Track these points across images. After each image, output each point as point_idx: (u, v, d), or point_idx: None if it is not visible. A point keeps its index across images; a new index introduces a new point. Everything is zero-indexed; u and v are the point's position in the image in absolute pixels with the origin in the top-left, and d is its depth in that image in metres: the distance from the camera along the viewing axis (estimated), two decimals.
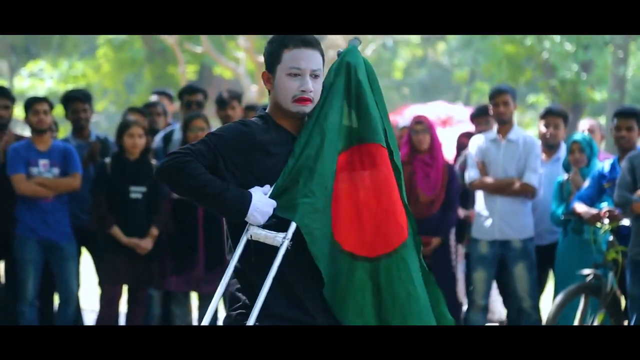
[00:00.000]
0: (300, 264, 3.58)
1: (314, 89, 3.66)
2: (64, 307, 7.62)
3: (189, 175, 3.51)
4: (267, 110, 3.75)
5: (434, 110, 13.13)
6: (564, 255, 7.41)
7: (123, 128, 7.54)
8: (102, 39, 23.81)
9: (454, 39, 29.39)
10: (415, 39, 28.13)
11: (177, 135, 8.24)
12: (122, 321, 7.90)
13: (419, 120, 7.82)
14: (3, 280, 7.98)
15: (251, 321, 3.51)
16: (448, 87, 33.98)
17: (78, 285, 7.84)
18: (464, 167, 8.04)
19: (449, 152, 8.96)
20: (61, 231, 7.58)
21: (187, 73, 22.53)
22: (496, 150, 7.73)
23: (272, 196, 3.59)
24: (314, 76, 3.66)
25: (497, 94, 7.75)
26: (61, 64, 24.57)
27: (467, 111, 11.59)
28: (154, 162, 7.59)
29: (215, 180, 3.52)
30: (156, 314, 7.99)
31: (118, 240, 7.42)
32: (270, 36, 3.78)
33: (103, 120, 30.40)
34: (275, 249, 3.54)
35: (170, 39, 21.06)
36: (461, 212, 7.96)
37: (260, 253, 3.58)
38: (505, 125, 7.73)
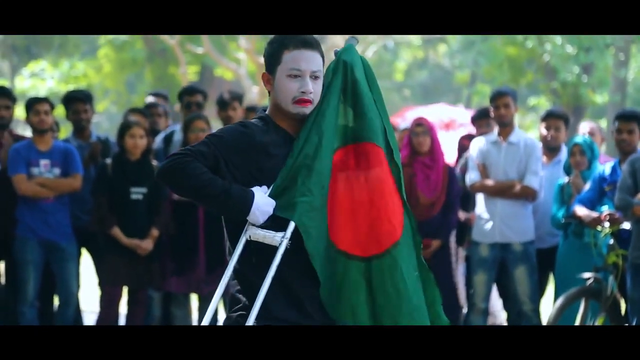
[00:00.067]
0: (299, 263, 3.58)
1: (314, 90, 3.65)
2: (64, 308, 7.62)
3: (189, 175, 3.51)
4: (267, 112, 3.75)
5: (436, 113, 13.13)
6: (564, 259, 7.40)
7: (124, 129, 7.54)
8: (103, 39, 23.83)
9: (454, 41, 29.38)
10: (416, 40, 28.13)
11: (178, 137, 8.24)
12: (122, 322, 7.90)
13: (419, 123, 7.82)
14: (3, 280, 7.97)
15: (250, 321, 3.51)
16: (449, 89, 33.98)
17: (78, 286, 7.84)
18: (464, 169, 8.04)
19: (451, 156, 8.96)
20: (62, 232, 7.57)
21: (188, 74, 22.54)
22: (497, 152, 7.72)
23: (270, 196, 3.59)
24: (314, 77, 3.66)
25: (498, 96, 7.75)
26: (62, 64, 24.59)
27: (469, 114, 11.60)
28: (154, 163, 7.59)
29: (217, 180, 3.53)
30: (156, 315, 7.99)
31: (118, 241, 7.42)
32: (271, 37, 3.78)
33: (104, 121, 30.41)
34: (275, 249, 3.54)
35: (171, 40, 21.07)
36: (462, 215, 7.95)
37: (259, 253, 3.58)
38: (506, 127, 7.72)
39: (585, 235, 7.16)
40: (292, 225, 3.55)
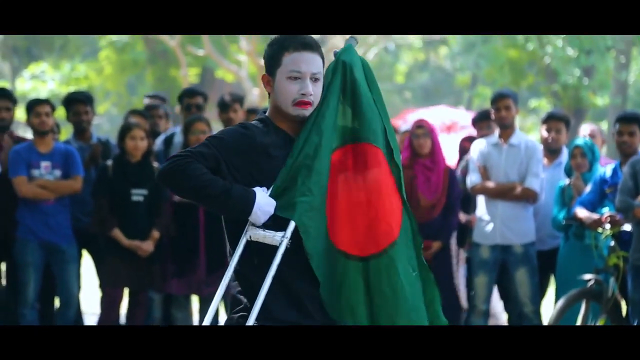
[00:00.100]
0: (300, 263, 3.58)
1: (314, 92, 3.66)
2: (65, 310, 7.62)
3: (190, 176, 3.51)
4: (267, 114, 3.75)
5: (438, 115, 13.12)
6: (565, 260, 7.40)
7: (125, 130, 7.54)
8: (104, 41, 23.84)
9: (455, 43, 29.38)
10: (417, 42, 28.13)
11: (178, 139, 8.24)
12: (122, 324, 7.90)
13: (420, 125, 7.81)
14: (4, 282, 7.97)
15: (251, 321, 3.51)
16: (450, 92, 33.99)
17: (79, 288, 7.84)
18: (465, 171, 8.04)
19: (452, 158, 8.96)
20: (62, 233, 7.57)
21: (189, 76, 22.56)
22: (498, 154, 7.72)
23: (271, 197, 3.60)
24: (314, 79, 3.66)
25: (499, 99, 7.75)
26: (63, 66, 24.61)
27: (471, 116, 11.59)
28: (155, 164, 7.59)
29: (218, 180, 3.53)
30: (157, 316, 7.99)
31: (119, 243, 7.41)
32: (271, 38, 3.78)
33: (105, 123, 30.42)
34: (276, 250, 3.55)
35: (172, 42, 21.08)
36: (462, 217, 7.95)
37: (261, 254, 3.59)
38: (507, 129, 7.72)
39: (586, 237, 7.16)
40: (292, 224, 3.55)
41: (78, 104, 8.15)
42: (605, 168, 7.21)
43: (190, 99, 8.66)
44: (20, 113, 13.22)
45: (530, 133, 24.37)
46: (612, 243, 6.92)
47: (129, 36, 23.12)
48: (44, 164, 7.54)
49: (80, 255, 7.95)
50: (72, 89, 19.19)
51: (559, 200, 7.47)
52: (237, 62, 22.01)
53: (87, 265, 8.35)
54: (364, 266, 3.63)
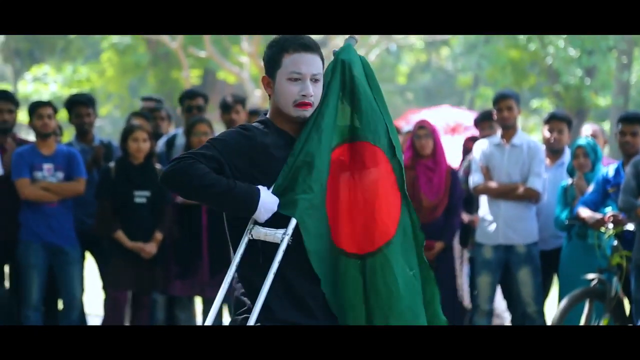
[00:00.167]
0: (302, 261, 3.59)
1: (315, 93, 3.67)
2: (68, 312, 7.62)
3: (192, 176, 3.51)
4: (267, 115, 3.76)
5: (442, 116, 13.08)
6: (568, 260, 7.40)
7: (127, 132, 7.54)
8: (106, 43, 23.86)
9: (457, 44, 29.38)
10: (419, 43, 28.14)
11: (180, 140, 8.24)
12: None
13: (421, 125, 7.81)
14: (8, 284, 7.97)
15: (252, 320, 3.51)
16: (452, 92, 33.99)
17: (82, 290, 7.84)
18: (468, 171, 8.04)
19: (457, 159, 8.95)
20: (65, 236, 7.57)
21: (191, 78, 22.56)
22: (500, 155, 7.72)
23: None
24: (314, 80, 3.67)
25: (501, 99, 7.75)
26: (65, 68, 24.63)
27: (474, 116, 11.58)
28: (158, 166, 7.59)
29: (221, 179, 3.53)
30: (160, 318, 8.00)
31: (122, 245, 7.42)
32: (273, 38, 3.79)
33: (107, 125, 30.44)
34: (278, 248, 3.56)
35: (173, 44, 21.09)
36: (465, 217, 7.95)
37: (264, 253, 3.59)
38: (509, 130, 7.72)
39: (589, 237, 7.16)
40: (293, 222, 3.56)
41: (80, 106, 8.16)
42: (608, 168, 7.21)
43: (191, 100, 8.66)
44: (22, 115, 13.20)
45: (532, 133, 24.37)
46: (615, 242, 6.92)
47: (131, 38, 23.14)
48: (47, 166, 7.54)
49: (83, 257, 7.95)
50: (74, 91, 19.17)
51: (562, 200, 7.47)
52: (239, 63, 22.01)
53: (91, 267, 8.35)
54: (361, 264, 3.65)
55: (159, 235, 7.48)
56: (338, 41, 18.99)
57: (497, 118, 7.81)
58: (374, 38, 21.69)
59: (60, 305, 7.84)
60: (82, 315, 7.95)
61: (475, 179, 7.75)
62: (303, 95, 3.64)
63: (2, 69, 32.24)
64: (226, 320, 8.00)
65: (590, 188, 7.23)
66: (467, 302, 7.78)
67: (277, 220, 3.58)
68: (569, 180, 7.51)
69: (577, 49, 19.69)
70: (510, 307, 8.08)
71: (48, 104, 7.75)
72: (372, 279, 3.64)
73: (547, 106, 22.81)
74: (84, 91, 17.07)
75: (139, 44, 23.74)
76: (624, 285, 6.90)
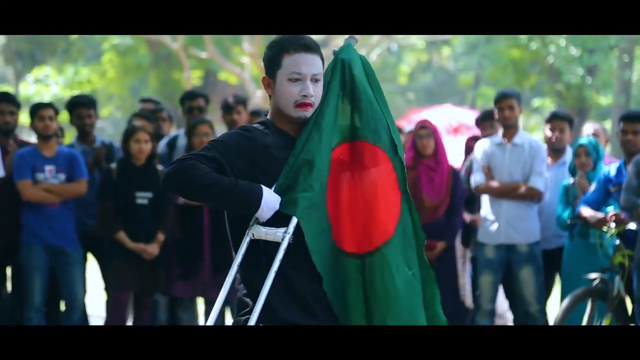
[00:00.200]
0: (303, 261, 3.59)
1: (315, 93, 3.67)
2: (70, 313, 7.62)
3: (193, 176, 3.51)
4: (268, 116, 3.76)
5: (444, 116, 13.08)
6: (570, 259, 7.40)
7: (129, 133, 7.53)
8: (107, 44, 23.87)
9: (458, 43, 29.38)
10: (420, 43, 28.15)
11: (181, 141, 8.24)
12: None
13: (423, 125, 7.81)
14: (10, 286, 7.98)
15: (253, 319, 3.51)
16: (453, 92, 33.99)
17: (84, 291, 7.84)
18: (469, 171, 8.04)
19: (460, 160, 8.94)
20: (67, 237, 7.57)
21: (192, 78, 22.56)
22: (502, 154, 7.72)
23: None
24: (315, 80, 3.67)
25: (502, 99, 7.75)
26: (66, 69, 24.63)
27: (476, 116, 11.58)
28: (159, 167, 7.59)
29: (223, 177, 3.53)
30: (162, 319, 8.00)
31: (124, 246, 7.42)
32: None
33: (108, 126, 30.45)
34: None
35: (175, 45, 21.09)
36: (467, 217, 7.95)
37: (267, 253, 3.58)
38: (510, 129, 7.72)
39: (591, 236, 7.16)
40: (294, 220, 3.56)
41: (81, 107, 8.16)
42: (610, 167, 7.21)
43: (192, 101, 8.66)
44: (24, 117, 13.23)
45: (533, 132, 24.36)
46: (617, 242, 6.92)
47: (132, 39, 23.14)
48: (48, 167, 7.54)
49: (85, 259, 7.95)
50: (75, 92, 19.21)
51: (564, 200, 7.47)
52: (240, 64, 22.03)
53: (93, 268, 8.36)
54: (361, 264, 3.65)
55: (160, 237, 7.48)
56: (339, 41, 18.99)
57: (498, 117, 7.81)
58: (375, 38, 21.70)
59: (62, 306, 7.84)
60: (84, 316, 7.95)
61: (476, 178, 7.75)
62: (304, 96, 3.65)
63: (3, 71, 32.26)
64: (229, 322, 7.99)
65: (592, 187, 7.22)
66: (469, 302, 7.78)
67: (278, 220, 3.58)
68: (571, 180, 7.50)
69: (579, 48, 19.68)
70: (512, 306, 8.08)
71: (49, 105, 7.75)
72: (370, 278, 3.65)
73: (548, 105, 22.81)
74: (85, 92, 17.08)
75: (140, 45, 23.75)
76: (626, 284, 6.89)
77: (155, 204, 7.49)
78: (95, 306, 9.37)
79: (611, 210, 6.97)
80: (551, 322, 7.40)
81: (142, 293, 7.55)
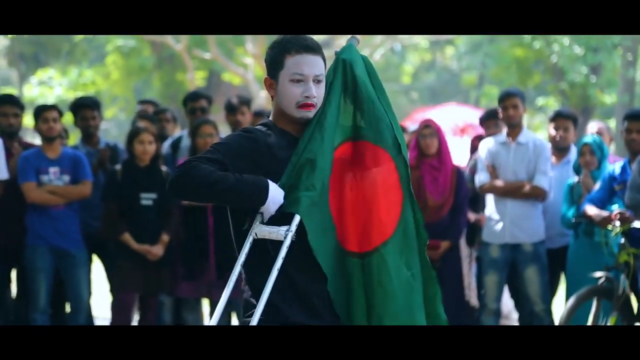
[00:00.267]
0: (307, 261, 3.59)
1: (317, 94, 3.67)
2: (75, 315, 7.62)
3: (197, 176, 3.51)
4: (270, 117, 3.76)
5: (450, 116, 13.07)
6: (575, 258, 7.39)
7: (133, 135, 7.54)
8: (110, 46, 23.88)
9: (462, 43, 29.37)
10: (423, 43, 28.14)
11: (185, 142, 8.24)
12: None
13: (426, 124, 7.80)
14: (15, 288, 7.98)
15: (255, 318, 3.51)
16: (457, 91, 33.97)
17: (89, 293, 7.84)
18: (474, 170, 8.03)
19: (466, 160, 8.93)
20: (72, 239, 7.58)
21: (196, 79, 22.57)
22: (506, 153, 7.72)
23: None
24: (317, 81, 3.67)
25: (506, 98, 7.75)
26: (70, 71, 24.65)
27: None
28: (164, 168, 7.59)
29: (227, 174, 3.53)
30: (167, 320, 8.00)
31: (129, 247, 7.42)
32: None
33: (112, 128, 30.48)
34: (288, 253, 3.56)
35: (178, 46, 21.11)
36: (472, 216, 7.94)
37: (269, 256, 3.58)
38: (514, 128, 7.72)
39: (595, 235, 7.16)
40: (297, 218, 3.55)
41: (85, 109, 8.17)
42: (614, 165, 7.20)
43: (194, 102, 8.67)
44: (28, 119, 13.24)
45: (538, 131, 24.35)
46: (622, 240, 6.91)
47: (136, 41, 23.16)
48: (53, 169, 7.55)
49: (90, 260, 7.96)
50: (79, 94, 19.23)
51: (568, 198, 7.46)
52: (244, 65, 22.03)
53: (98, 270, 8.36)
54: (361, 263, 3.66)
55: (165, 238, 7.49)
56: (342, 41, 19.00)
57: (502, 116, 7.80)
58: (378, 38, 21.69)
59: (67, 308, 7.85)
60: (90, 317, 7.96)
61: (481, 177, 7.74)
62: (306, 97, 3.65)
63: (7, 73, 32.30)
64: (232, 322, 7.99)
65: (597, 186, 7.22)
66: (474, 301, 7.77)
67: (281, 219, 3.58)
68: (575, 178, 7.50)
69: (582, 47, 19.67)
70: (517, 305, 8.07)
71: (53, 107, 7.76)
72: (369, 278, 3.65)
73: (552, 104, 22.79)
74: (89, 94, 17.11)
75: (144, 46, 23.76)
76: (632, 282, 6.89)
77: (160, 205, 7.49)
78: (101, 308, 9.37)
79: (616, 208, 6.96)
80: (556, 321, 7.39)
81: (147, 294, 7.56)
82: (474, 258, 7.89)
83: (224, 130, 9.49)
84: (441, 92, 33.79)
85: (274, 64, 3.71)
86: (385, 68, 31.04)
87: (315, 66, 3.66)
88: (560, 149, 7.92)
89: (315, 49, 3.69)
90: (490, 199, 7.77)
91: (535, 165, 7.60)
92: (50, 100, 22.06)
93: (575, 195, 7.43)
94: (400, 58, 33.60)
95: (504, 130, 7.86)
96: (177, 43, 21.04)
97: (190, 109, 8.64)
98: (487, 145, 7.83)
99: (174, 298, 7.92)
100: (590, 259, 7.18)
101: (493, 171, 7.71)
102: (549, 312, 7.62)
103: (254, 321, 3.52)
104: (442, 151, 7.73)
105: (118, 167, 7.59)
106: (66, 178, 7.56)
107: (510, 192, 7.63)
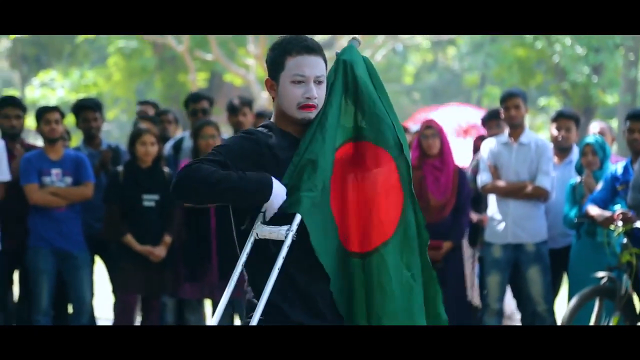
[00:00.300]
0: (308, 261, 3.59)
1: (318, 95, 3.67)
2: (78, 316, 7.63)
3: (200, 177, 3.50)
4: (271, 118, 3.77)
5: (454, 117, 13.04)
6: (577, 258, 7.39)
7: (135, 136, 7.54)
8: (112, 47, 23.89)
9: (463, 43, 29.37)
10: (425, 43, 28.14)
11: (187, 144, 8.25)
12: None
13: (428, 125, 7.80)
14: (17, 289, 7.99)
15: (255, 317, 3.51)
16: (458, 92, 33.97)
17: (92, 294, 7.85)
18: (476, 170, 8.03)
19: (468, 161, 8.93)
20: (74, 240, 7.58)
21: (198, 81, 22.57)
22: (508, 153, 7.71)
23: None
24: (318, 82, 3.67)
25: (508, 98, 7.75)
26: (72, 73, 24.66)
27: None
28: (166, 170, 7.59)
29: (230, 173, 3.53)
30: (170, 321, 8.00)
31: (131, 249, 7.42)
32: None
33: (114, 129, 30.50)
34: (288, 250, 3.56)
35: (180, 47, 21.11)
36: (474, 216, 7.94)
37: (271, 257, 3.58)
38: (516, 128, 7.72)
39: (598, 235, 7.15)
40: (297, 217, 3.55)
41: (87, 110, 8.17)
42: (617, 165, 7.20)
43: (196, 103, 8.67)
44: (30, 121, 13.23)
45: (540, 132, 24.35)
46: (625, 240, 6.91)
47: (138, 42, 23.16)
48: (55, 171, 7.55)
49: (92, 262, 7.96)
50: (81, 96, 19.23)
51: (570, 198, 7.46)
52: (245, 66, 22.03)
53: (100, 271, 8.36)
54: (362, 263, 3.66)
55: (167, 239, 7.49)
56: (344, 42, 18.99)
57: (504, 117, 7.80)
58: (380, 38, 21.69)
59: (70, 309, 7.85)
60: (92, 319, 7.96)
61: (483, 178, 7.74)
62: (307, 98, 3.65)
63: (9, 75, 32.32)
64: (234, 323, 7.99)
65: (599, 186, 7.21)
66: (477, 301, 7.77)
67: (282, 220, 3.58)
68: (578, 178, 7.50)
69: (584, 47, 19.67)
70: (519, 306, 8.07)
71: (55, 109, 7.76)
72: (369, 278, 3.65)
73: (554, 104, 22.79)
74: (91, 96, 17.10)
75: (145, 48, 23.77)
76: (634, 282, 6.88)
77: (162, 206, 7.49)
78: (103, 309, 9.38)
79: (618, 208, 6.96)
80: (559, 322, 7.39)
81: (149, 295, 7.56)
82: (477, 258, 7.89)
83: (226, 131, 9.50)
84: (443, 93, 33.80)
85: (274, 65, 3.71)
86: (387, 68, 31.05)
87: (316, 67, 3.66)
88: (562, 149, 7.91)
89: (316, 50, 3.69)
90: (492, 199, 7.77)
91: (537, 166, 7.60)
92: (52, 101, 22.07)
93: (577, 196, 7.43)
94: (402, 58, 33.61)
95: (506, 130, 7.86)
96: (178, 44, 21.04)
97: (191, 110, 8.64)
98: (489, 145, 7.83)
99: (177, 299, 7.92)
100: (592, 259, 7.18)
101: (495, 171, 7.71)
102: (551, 312, 7.62)
103: (254, 321, 3.52)
104: (444, 151, 7.73)
105: (120, 168, 7.59)
106: (68, 180, 7.57)
107: (513, 192, 7.63)
